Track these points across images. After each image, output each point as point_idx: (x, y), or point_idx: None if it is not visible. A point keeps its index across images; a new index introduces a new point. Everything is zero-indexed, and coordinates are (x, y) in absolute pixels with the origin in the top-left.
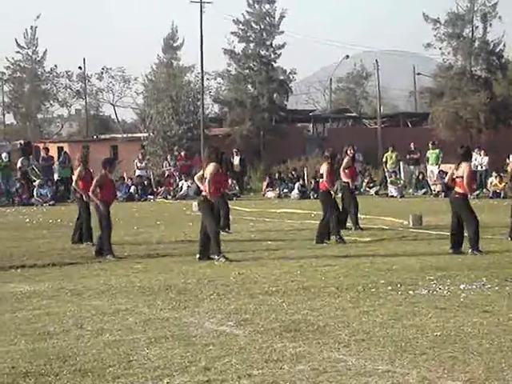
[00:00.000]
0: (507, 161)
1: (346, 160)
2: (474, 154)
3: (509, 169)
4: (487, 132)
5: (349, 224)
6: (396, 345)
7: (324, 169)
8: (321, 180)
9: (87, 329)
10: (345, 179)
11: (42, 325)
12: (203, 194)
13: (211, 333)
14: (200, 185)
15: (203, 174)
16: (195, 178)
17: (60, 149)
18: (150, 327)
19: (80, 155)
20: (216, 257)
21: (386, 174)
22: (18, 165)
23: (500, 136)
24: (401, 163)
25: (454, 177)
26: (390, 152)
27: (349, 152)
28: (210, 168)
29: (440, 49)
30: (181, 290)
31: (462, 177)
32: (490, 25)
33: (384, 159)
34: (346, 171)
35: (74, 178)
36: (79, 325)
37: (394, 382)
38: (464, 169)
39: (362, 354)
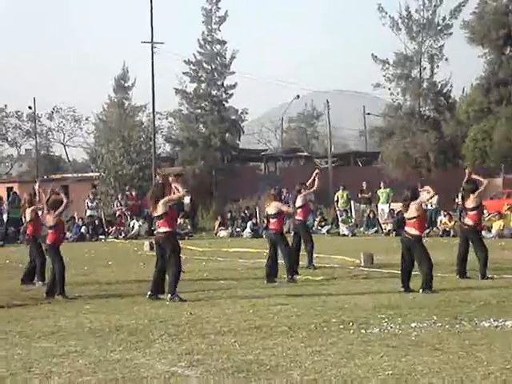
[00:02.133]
0: (456, 200)
1: (300, 198)
2: (424, 193)
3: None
4: (436, 171)
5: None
6: None
7: (273, 207)
8: (272, 220)
9: (35, 372)
10: (300, 218)
11: None
12: (163, 230)
13: (163, 374)
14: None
15: (156, 212)
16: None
17: (9, 189)
18: (100, 369)
19: (26, 197)
20: (170, 296)
21: (338, 212)
22: None
23: (449, 175)
24: (352, 202)
25: (406, 219)
26: (341, 191)
27: (302, 191)
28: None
29: (389, 89)
30: (132, 330)
31: (414, 217)
32: (438, 66)
33: (335, 198)
34: (300, 210)
35: (26, 219)
36: (27, 368)
37: None
38: (415, 207)
39: None
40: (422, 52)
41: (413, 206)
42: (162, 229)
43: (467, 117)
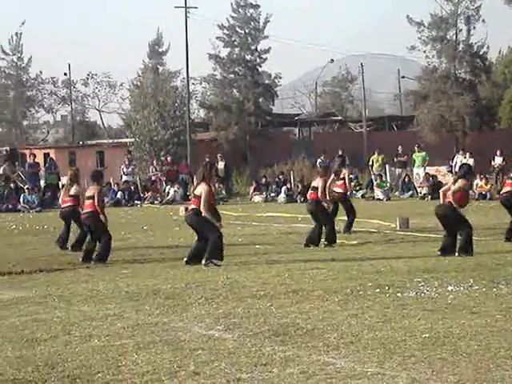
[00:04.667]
0: (492, 163)
1: (344, 175)
2: (459, 156)
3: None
4: (472, 134)
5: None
6: (385, 347)
7: (320, 185)
8: (311, 191)
9: (75, 335)
10: (340, 189)
11: (30, 331)
12: (193, 207)
13: (200, 337)
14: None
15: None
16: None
17: (46, 155)
18: (138, 332)
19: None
20: (214, 261)
21: (372, 176)
22: (0, 171)
23: (485, 138)
24: (387, 166)
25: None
26: (376, 155)
27: (344, 171)
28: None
29: (424, 52)
30: (169, 294)
31: (457, 191)
32: (474, 28)
33: (370, 162)
34: (341, 182)
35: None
36: (67, 331)
37: None
38: (463, 183)
39: (350, 356)
40: (458, 13)
41: (461, 181)
42: (193, 206)
43: (504, 78)
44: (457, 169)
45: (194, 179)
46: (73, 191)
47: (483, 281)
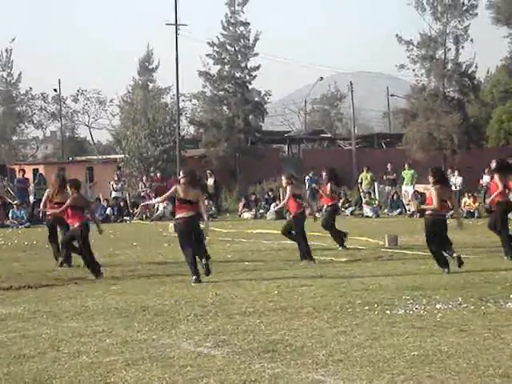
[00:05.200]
0: (480, 181)
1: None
2: (448, 174)
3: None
4: (461, 153)
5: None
6: (374, 365)
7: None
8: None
9: (64, 351)
10: (330, 203)
11: (18, 348)
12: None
13: (189, 354)
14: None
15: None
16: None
17: (35, 171)
18: (127, 349)
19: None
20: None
21: (361, 194)
22: None
23: (473, 157)
24: (375, 184)
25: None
26: (364, 172)
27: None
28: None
29: (413, 70)
30: (158, 311)
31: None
32: (462, 47)
33: (359, 180)
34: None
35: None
36: (55, 347)
37: None
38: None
39: (339, 374)
40: (447, 33)
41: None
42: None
43: (492, 98)
44: None
45: None
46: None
47: (472, 299)
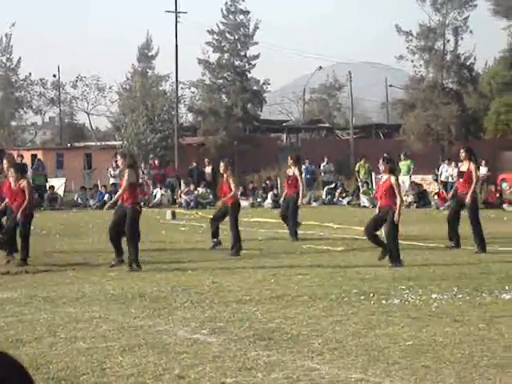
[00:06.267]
0: (478, 173)
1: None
2: (445, 165)
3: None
4: (458, 144)
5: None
6: (369, 354)
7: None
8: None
9: (60, 336)
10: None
11: (15, 332)
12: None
13: (185, 341)
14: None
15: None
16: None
17: (34, 156)
18: (123, 335)
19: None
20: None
21: (359, 184)
22: None
23: None
24: (373, 174)
25: None
26: (362, 162)
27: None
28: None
29: (412, 61)
30: (154, 298)
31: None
32: (462, 38)
33: (356, 169)
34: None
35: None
36: (52, 332)
37: None
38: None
39: (335, 362)
40: (447, 24)
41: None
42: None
43: (490, 90)
44: (442, 178)
45: (181, 183)
46: None
47: (467, 289)
